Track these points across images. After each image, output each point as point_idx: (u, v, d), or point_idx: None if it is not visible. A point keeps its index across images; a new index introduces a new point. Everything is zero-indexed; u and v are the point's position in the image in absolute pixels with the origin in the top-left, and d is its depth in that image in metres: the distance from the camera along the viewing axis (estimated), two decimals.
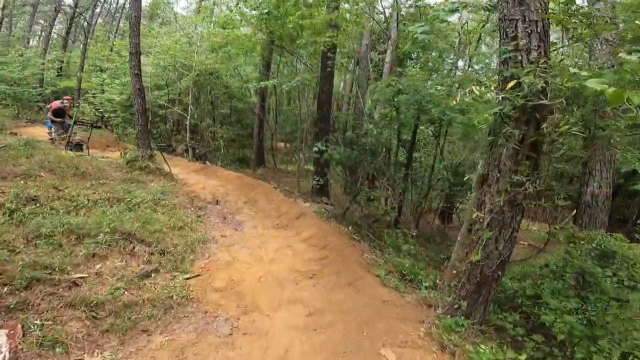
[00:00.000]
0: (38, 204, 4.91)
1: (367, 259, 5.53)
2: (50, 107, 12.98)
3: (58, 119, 11.31)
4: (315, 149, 6.97)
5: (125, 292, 3.54)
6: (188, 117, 13.41)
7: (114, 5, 26.82)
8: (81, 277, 3.50)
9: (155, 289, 3.77)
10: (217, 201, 8.31)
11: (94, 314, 3.13)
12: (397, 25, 14.56)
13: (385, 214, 7.18)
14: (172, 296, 3.72)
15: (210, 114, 17.44)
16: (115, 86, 15.19)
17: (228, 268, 4.74)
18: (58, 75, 25.03)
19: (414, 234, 6.15)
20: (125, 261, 4.10)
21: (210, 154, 14.73)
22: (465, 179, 8.94)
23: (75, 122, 10.56)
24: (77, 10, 21.06)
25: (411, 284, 4.88)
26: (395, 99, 7.18)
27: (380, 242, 6.73)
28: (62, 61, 24.65)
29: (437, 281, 4.89)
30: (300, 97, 13.50)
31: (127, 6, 25.57)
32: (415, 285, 4.87)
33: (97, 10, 24.45)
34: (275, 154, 17.49)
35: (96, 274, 3.68)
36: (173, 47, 13.84)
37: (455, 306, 3.54)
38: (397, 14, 11.68)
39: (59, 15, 25.65)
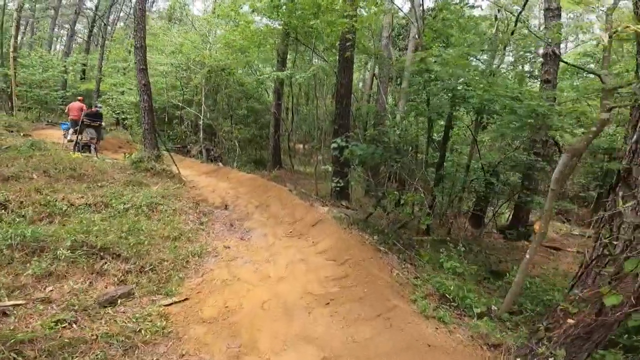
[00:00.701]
0: (4, 210, 4.10)
1: (397, 277, 4.46)
2: (69, 109, 12.43)
3: (95, 123, 10.58)
4: (334, 145, 5.93)
5: (73, 325, 2.62)
6: (202, 117, 12.68)
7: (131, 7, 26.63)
8: (15, 305, 2.61)
9: (120, 320, 2.84)
10: (225, 205, 7.41)
11: (16, 356, 2.22)
12: (418, 20, 13.46)
13: (420, 221, 6.07)
14: (141, 331, 2.78)
15: (228, 115, 16.75)
16: (129, 86, 14.68)
17: (224, 290, 3.78)
18: (82, 78, 25.12)
19: (462, 247, 5.01)
20: (90, 282, 3.21)
21: (226, 156, 13.96)
22: (505, 180, 7.71)
23: (81, 123, 9.96)
24: (97, 13, 20.90)
25: (457, 311, 3.78)
26: (427, 88, 6.08)
27: (410, 252, 5.64)
28: (85, 64, 24.71)
29: (492, 306, 3.77)
30: (317, 94, 12.54)
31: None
32: (463, 311, 3.77)
33: (113, 15, 24.29)
34: (292, 155, 16.59)
35: (42, 300, 2.79)
36: (186, 45, 13.16)
37: (545, 356, 2.42)
38: (421, 5, 10.54)
39: (84, 18, 25.82)
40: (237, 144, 13.11)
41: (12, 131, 13.06)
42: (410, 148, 8.12)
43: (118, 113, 15.64)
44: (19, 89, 20.12)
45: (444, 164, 6.92)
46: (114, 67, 19.21)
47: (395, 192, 5.90)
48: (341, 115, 8.92)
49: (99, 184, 6.77)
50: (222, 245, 5.20)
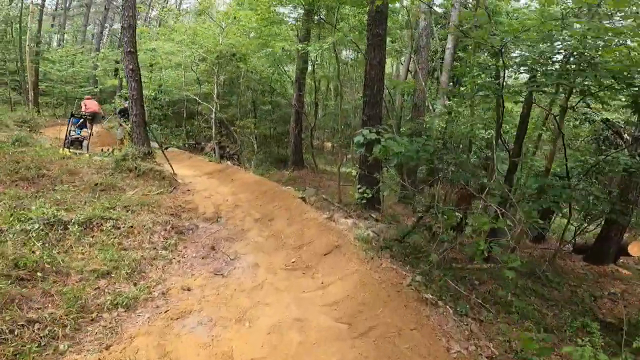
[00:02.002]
0: None
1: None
2: (85, 105, 11.72)
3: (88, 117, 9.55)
4: (358, 138, 3.92)
5: None
6: (214, 111, 11.11)
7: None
8: None
9: None
10: (217, 217, 5.65)
11: None
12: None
13: (477, 248, 3.96)
14: None
15: (249, 110, 15.17)
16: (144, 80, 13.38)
17: None
18: (115, 75, 24.60)
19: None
20: None
21: (242, 153, 12.33)
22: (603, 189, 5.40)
23: (72, 115, 8.61)
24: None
25: None
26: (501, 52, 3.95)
27: (471, 298, 3.61)
28: (117, 61, 24.15)
29: None
30: (341, 85, 10.57)
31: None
32: None
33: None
34: (316, 154, 14.74)
35: None
36: (201, 33, 11.59)
37: None
38: None
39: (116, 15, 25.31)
40: (254, 141, 11.40)
41: (21, 126, 12.20)
42: (460, 146, 6.01)
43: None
44: (46, 85, 19.74)
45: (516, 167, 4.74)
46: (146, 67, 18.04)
47: (456, 212, 3.78)
48: (371, 103, 6.91)
49: (56, 188, 5.22)
50: (181, 286, 3.40)
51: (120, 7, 7.36)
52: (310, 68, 15.09)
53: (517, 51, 4.07)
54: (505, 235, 4.12)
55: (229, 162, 10.44)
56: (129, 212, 4.61)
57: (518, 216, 3.63)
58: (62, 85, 19.67)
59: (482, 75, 4.81)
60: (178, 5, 24.19)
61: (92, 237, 3.75)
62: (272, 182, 7.34)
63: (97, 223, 3.97)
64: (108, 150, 7.89)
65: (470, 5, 13.47)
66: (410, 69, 16.69)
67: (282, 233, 5.15)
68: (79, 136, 8.44)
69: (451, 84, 12.53)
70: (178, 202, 5.97)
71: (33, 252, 3.26)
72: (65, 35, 26.41)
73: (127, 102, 9.52)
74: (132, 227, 4.20)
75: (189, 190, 6.91)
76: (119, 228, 4.08)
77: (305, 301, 3.39)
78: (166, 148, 11.07)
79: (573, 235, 6.14)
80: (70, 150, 8.09)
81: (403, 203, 9.14)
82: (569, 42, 3.42)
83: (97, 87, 21.64)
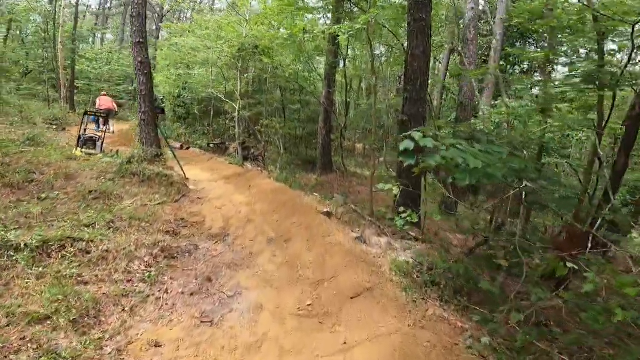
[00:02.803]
0: None
1: None
2: (99, 102, 11.58)
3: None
4: (406, 144, 2.71)
5: None
6: (237, 108, 10.29)
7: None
8: None
9: None
10: (224, 235, 4.73)
11: None
12: None
13: None
14: None
15: (278, 109, 14.31)
16: (168, 77, 12.90)
17: None
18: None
19: None
20: None
21: (267, 155, 11.45)
22: None
23: (85, 113, 8.05)
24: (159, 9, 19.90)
25: None
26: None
27: None
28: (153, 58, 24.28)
29: None
30: (376, 78, 9.41)
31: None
32: None
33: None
34: (346, 156, 13.64)
35: None
36: (226, 28, 10.81)
37: None
38: None
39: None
40: (279, 141, 10.47)
41: (50, 124, 12.04)
42: (525, 154, 4.70)
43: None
44: (83, 83, 19.97)
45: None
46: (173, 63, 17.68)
47: (560, 259, 2.49)
48: (413, 100, 5.74)
49: (42, 196, 4.50)
50: (148, 339, 2.46)
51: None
52: (341, 65, 14.04)
53: None
54: None
55: (248, 165, 9.58)
56: (112, 229, 3.76)
57: None
58: (98, 83, 19.82)
59: (584, 63, 3.52)
60: (211, 3, 23.87)
61: (45, 266, 2.90)
62: (294, 191, 6.34)
63: (58, 247, 3.12)
64: (116, 151, 7.22)
65: None
66: (448, 67, 15.20)
67: (299, 260, 4.12)
68: (92, 135, 7.86)
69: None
70: (182, 213, 5.11)
71: None
72: (108, 35, 26.96)
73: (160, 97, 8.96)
74: (107, 251, 3.33)
75: (199, 198, 6.06)
76: (88, 252, 3.22)
77: None
78: (187, 148, 10.41)
79: None
80: (83, 150, 7.50)
81: (447, 214, 7.85)
82: None
83: (132, 86, 21.72)
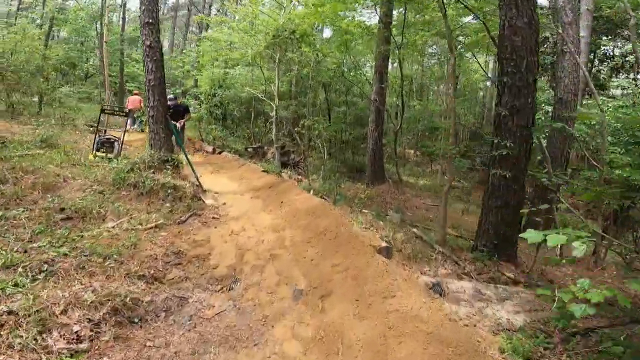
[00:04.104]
0: None
1: None
2: (128, 101, 11.04)
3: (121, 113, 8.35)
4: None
5: None
6: (275, 107, 8.91)
7: None
8: None
9: None
10: (232, 281, 3.21)
11: None
12: None
13: None
14: None
15: (322, 110, 12.84)
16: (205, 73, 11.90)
17: None
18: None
19: None
20: None
21: (307, 160, 9.94)
22: None
23: (102, 111, 7.05)
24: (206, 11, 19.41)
25: None
26: None
27: None
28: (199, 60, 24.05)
29: None
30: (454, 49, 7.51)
31: None
32: None
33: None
34: (399, 163, 11.78)
35: None
36: (261, 18, 9.45)
37: None
38: None
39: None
40: (322, 145, 8.90)
41: (90, 126, 11.57)
42: None
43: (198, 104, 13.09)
44: (134, 85, 19.97)
45: None
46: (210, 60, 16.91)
47: None
48: (515, 89, 3.90)
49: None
50: None
51: None
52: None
53: None
54: None
55: (287, 173, 8.10)
56: (45, 273, 2.36)
57: None
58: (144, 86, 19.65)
59: None
60: None
61: None
62: (338, 210, 4.70)
63: None
64: (119, 154, 6.07)
65: None
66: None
67: (342, 337, 2.48)
68: (110, 137, 6.82)
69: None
70: (180, 242, 3.67)
71: None
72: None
73: (171, 97, 7.80)
74: (9, 312, 1.91)
75: (214, 217, 4.63)
76: None
77: None
78: (219, 153, 9.21)
79: None
80: (99, 153, 6.45)
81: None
82: None
83: (179, 89, 21.50)
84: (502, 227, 4.10)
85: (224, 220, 4.62)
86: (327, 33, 14.57)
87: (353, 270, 3.15)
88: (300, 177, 8.52)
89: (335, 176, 8.87)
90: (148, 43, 4.90)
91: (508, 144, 3.77)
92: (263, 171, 7.59)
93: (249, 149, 11.20)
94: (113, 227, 3.48)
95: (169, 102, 7.65)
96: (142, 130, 11.96)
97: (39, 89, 11.63)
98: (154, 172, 4.75)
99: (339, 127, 9.06)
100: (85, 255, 2.79)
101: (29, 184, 4.00)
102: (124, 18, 16.24)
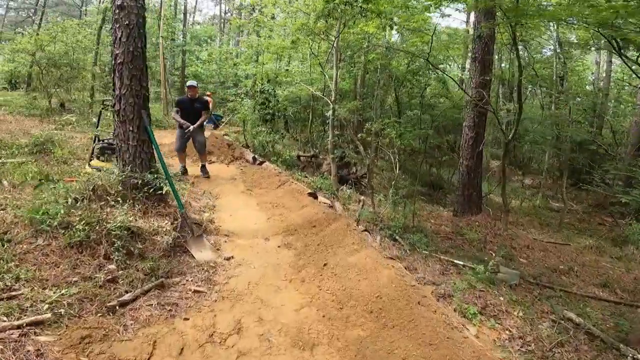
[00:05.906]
0: None
1: None
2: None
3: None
4: None
5: None
6: (331, 106, 6.71)
7: None
8: None
9: None
10: None
11: None
12: None
13: None
14: None
15: (392, 113, 10.34)
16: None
17: None
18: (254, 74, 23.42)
19: None
20: None
21: (373, 175, 7.55)
22: None
23: (104, 107, 5.39)
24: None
25: None
26: None
27: None
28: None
29: None
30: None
31: None
32: None
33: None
34: (492, 181, 8.90)
35: None
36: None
37: None
38: None
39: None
40: (393, 156, 6.37)
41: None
42: None
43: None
44: (201, 87, 19.29)
45: None
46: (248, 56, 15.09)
47: None
48: None
49: None
50: None
51: None
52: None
53: None
54: None
55: (345, 191, 5.80)
56: None
57: None
58: (214, 86, 18.80)
59: None
60: None
61: None
62: (425, 290, 2.31)
63: None
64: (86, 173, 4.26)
65: None
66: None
67: None
68: (112, 143, 5.12)
69: None
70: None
71: None
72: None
73: (191, 84, 5.92)
74: None
75: (198, 291, 2.52)
76: None
77: None
78: (260, 163, 7.25)
79: None
80: (98, 162, 4.77)
81: None
82: None
83: (242, 89, 20.42)
84: None
85: (211, 299, 2.48)
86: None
87: None
88: (363, 197, 6.18)
89: (409, 198, 6.31)
90: (118, 2, 2.98)
91: None
92: (309, 194, 5.38)
93: (301, 158, 9.16)
94: None
95: (187, 94, 5.80)
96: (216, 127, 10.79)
97: (90, 85, 11.01)
98: (114, 205, 2.80)
99: (421, 134, 6.45)
100: None
101: None
102: (185, 14, 15.45)
